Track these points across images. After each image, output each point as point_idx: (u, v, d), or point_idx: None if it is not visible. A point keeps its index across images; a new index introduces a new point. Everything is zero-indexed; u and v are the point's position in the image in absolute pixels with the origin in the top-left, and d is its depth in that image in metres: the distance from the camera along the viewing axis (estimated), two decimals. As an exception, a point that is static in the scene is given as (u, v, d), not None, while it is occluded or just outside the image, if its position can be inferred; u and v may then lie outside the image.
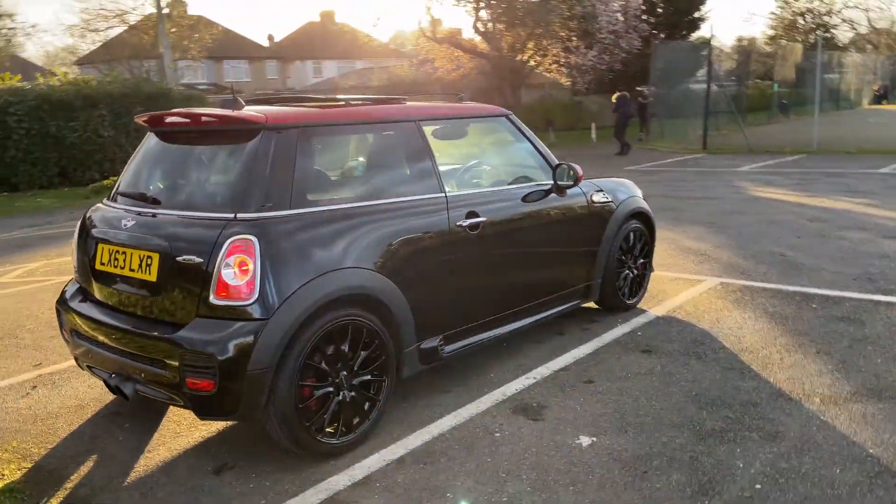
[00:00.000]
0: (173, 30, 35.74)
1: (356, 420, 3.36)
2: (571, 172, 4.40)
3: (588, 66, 25.57)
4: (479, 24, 25.82)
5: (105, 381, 3.42)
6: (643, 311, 5.21)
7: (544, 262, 4.47)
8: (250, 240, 3.01)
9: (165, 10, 34.77)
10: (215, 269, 3.00)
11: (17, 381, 4.48)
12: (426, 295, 3.66)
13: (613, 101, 19.58)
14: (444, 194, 3.82)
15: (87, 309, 3.56)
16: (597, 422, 3.51)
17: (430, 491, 2.97)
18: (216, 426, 3.66)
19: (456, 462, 3.19)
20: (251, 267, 2.99)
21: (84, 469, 3.33)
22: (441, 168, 4.06)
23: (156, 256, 3.21)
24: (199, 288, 3.05)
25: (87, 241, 3.65)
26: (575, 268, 4.73)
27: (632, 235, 5.15)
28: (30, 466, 3.38)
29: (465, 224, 3.82)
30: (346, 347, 3.26)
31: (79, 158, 16.59)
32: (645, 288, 5.39)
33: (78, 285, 3.80)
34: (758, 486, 2.88)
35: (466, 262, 3.88)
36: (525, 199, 4.31)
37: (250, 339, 2.96)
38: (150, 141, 3.75)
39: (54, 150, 16.23)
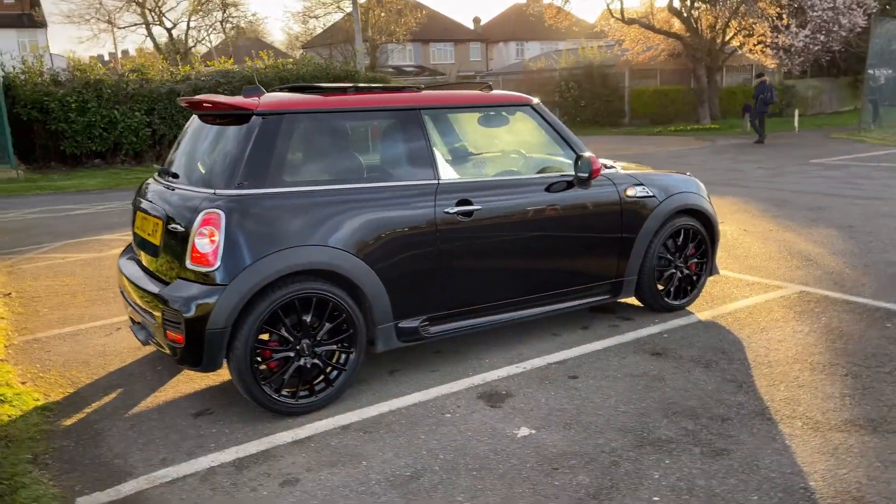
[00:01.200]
0: (382, 14, 37.85)
1: (321, 386, 3.65)
2: (590, 165, 4.32)
3: (799, 48, 23.43)
4: (676, 3, 24.63)
5: (132, 329, 4.02)
6: (688, 314, 4.97)
7: (558, 254, 4.43)
8: (219, 213, 3.40)
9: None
10: (190, 237, 3.43)
11: (108, 322, 5.29)
12: (405, 277, 3.84)
13: (754, 85, 18.37)
14: (436, 181, 3.96)
15: (125, 266, 4.17)
16: (549, 416, 3.51)
17: (351, 456, 3.19)
18: (223, 375, 4.12)
19: (392, 435, 3.38)
20: (217, 237, 3.38)
21: (106, 399, 3.94)
22: (447, 156, 4.20)
23: (160, 223, 3.71)
24: (182, 253, 3.50)
25: (133, 209, 4.27)
26: (599, 262, 4.63)
27: (682, 233, 4.91)
28: (72, 392, 4.06)
29: (452, 211, 3.94)
30: (308, 318, 3.55)
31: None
32: (699, 289, 5.11)
33: (128, 247, 4.44)
34: (655, 499, 2.78)
35: (457, 248, 3.99)
36: (538, 189, 4.31)
37: (211, 300, 3.35)
38: (192, 122, 4.26)
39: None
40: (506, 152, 4.84)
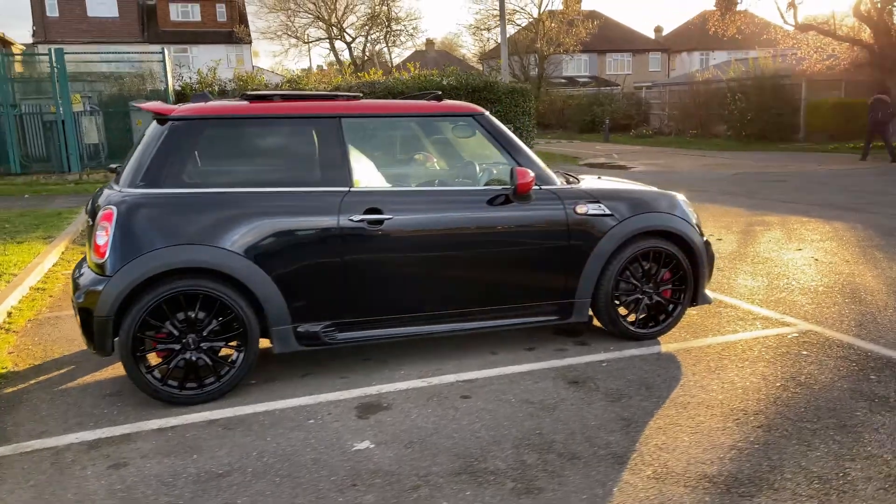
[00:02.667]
0: (553, 25, 37.76)
1: (209, 379, 3.83)
2: (515, 178, 4.13)
3: None
4: (864, 7, 22.24)
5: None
6: (653, 344, 4.58)
7: (488, 270, 4.28)
8: (112, 209, 3.69)
9: (557, 7, 36.81)
10: (93, 231, 3.75)
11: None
12: (304, 282, 3.92)
13: (868, 102, 16.67)
14: (346, 189, 4.00)
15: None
16: (401, 433, 3.43)
17: (189, 449, 3.33)
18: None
19: (244, 434, 3.47)
20: (109, 232, 3.67)
21: (55, 373, 4.36)
22: (372, 165, 4.22)
23: (88, 220, 4.08)
24: (90, 245, 3.83)
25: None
26: (541, 281, 4.40)
27: (651, 256, 4.55)
28: (37, 364, 4.54)
29: (357, 219, 3.95)
30: (193, 314, 3.74)
31: (408, 142, 18.92)
32: (674, 319, 4.69)
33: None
34: (415, 528, 2.65)
35: (366, 257, 4.00)
36: (469, 201, 4.21)
37: (98, 289, 3.65)
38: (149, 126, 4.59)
39: (390, 134, 18.78)
40: (446, 163, 4.75)
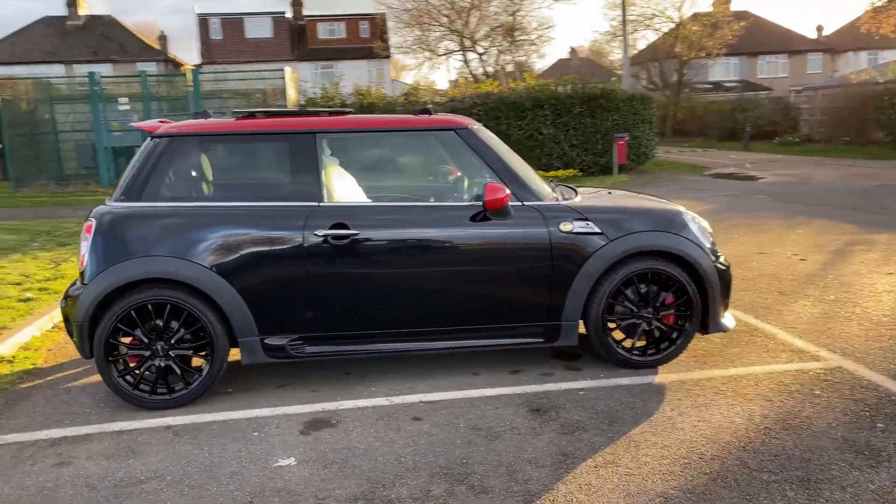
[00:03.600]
0: (695, 28, 36.17)
1: (178, 385, 3.99)
2: (483, 193, 3.98)
3: None
4: None
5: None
6: (648, 373, 4.24)
7: (465, 288, 4.14)
8: (92, 222, 3.94)
9: (704, 9, 35.13)
10: (81, 242, 4.03)
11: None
12: (270, 295, 3.99)
13: None
14: (315, 204, 4.03)
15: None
16: (331, 452, 3.40)
17: (131, 453, 3.48)
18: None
19: (188, 442, 3.58)
20: (87, 243, 3.92)
21: (70, 372, 4.71)
22: (347, 181, 4.24)
23: None
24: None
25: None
26: (523, 302, 4.20)
27: (649, 278, 4.23)
28: (60, 363, 4.93)
29: (321, 234, 3.97)
30: (161, 322, 3.91)
31: (522, 153, 18.63)
32: (678, 347, 4.32)
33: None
34: (275, 552, 2.61)
35: (332, 272, 4.01)
36: (446, 217, 4.11)
37: (76, 296, 3.91)
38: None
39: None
40: (436, 178, 4.64)
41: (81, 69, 34.45)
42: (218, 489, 3.09)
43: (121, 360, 3.95)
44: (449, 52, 35.23)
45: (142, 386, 3.97)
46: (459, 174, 4.88)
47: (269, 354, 4.06)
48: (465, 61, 35.60)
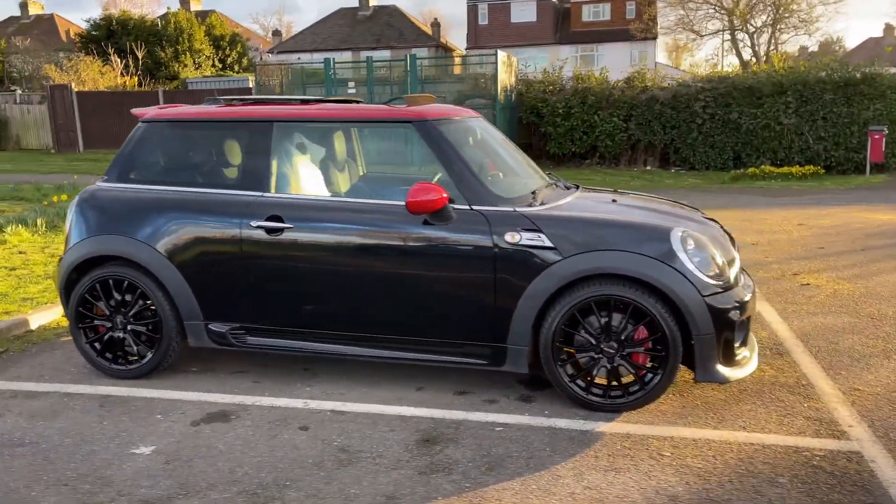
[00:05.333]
0: None
1: (134, 359, 4.22)
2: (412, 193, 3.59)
3: None
4: None
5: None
6: (599, 418, 3.56)
7: (396, 295, 3.81)
8: (76, 198, 4.30)
9: None
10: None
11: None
12: (211, 282, 4.03)
13: None
14: (259, 194, 3.98)
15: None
16: (191, 446, 3.35)
17: (52, 415, 3.75)
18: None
19: (97, 414, 3.75)
20: (70, 215, 4.29)
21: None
22: (302, 172, 4.12)
23: None
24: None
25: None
26: (463, 318, 3.75)
27: (612, 306, 3.55)
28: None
29: (255, 225, 3.90)
30: (119, 297, 4.15)
31: (754, 144, 16.83)
32: (650, 392, 3.57)
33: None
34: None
35: (266, 265, 3.94)
36: (384, 216, 3.82)
37: (58, 263, 4.30)
38: None
39: (733, 135, 16.95)
40: (398, 173, 4.26)
41: (364, 55, 37.85)
42: (61, 465, 3.21)
43: (91, 328, 4.26)
44: (713, 33, 32.58)
45: (106, 354, 4.25)
46: (495, 170, 4.50)
47: (213, 340, 4.12)
48: (734, 42, 32.68)
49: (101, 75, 26.13)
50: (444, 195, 3.61)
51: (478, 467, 3.11)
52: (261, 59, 36.41)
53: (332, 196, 4.18)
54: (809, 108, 16.23)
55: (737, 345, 3.62)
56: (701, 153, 17.19)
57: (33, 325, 5.24)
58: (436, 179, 3.95)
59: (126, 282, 4.11)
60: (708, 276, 3.51)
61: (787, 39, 32.26)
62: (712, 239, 3.77)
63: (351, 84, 17.68)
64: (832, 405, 3.66)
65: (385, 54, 41.57)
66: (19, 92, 25.49)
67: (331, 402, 3.83)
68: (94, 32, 32.28)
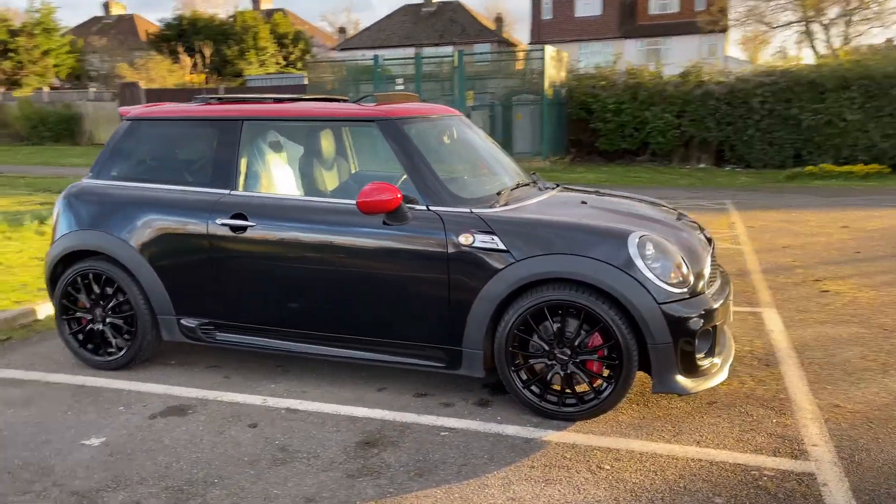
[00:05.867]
0: None
1: (111, 349, 4.33)
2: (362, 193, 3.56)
3: None
4: None
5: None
6: (557, 426, 3.46)
7: (354, 295, 3.79)
8: (62, 194, 4.44)
9: None
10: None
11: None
12: (181, 277, 4.10)
13: None
14: (226, 192, 4.03)
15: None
16: (141, 440, 3.41)
17: (26, 404, 3.89)
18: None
19: (50, 402, 3.86)
20: (56, 210, 4.44)
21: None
22: (268, 170, 4.14)
23: None
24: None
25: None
26: (419, 320, 3.71)
27: (565, 312, 3.44)
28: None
29: (219, 223, 3.95)
30: (98, 290, 4.27)
31: (815, 142, 16.09)
32: (603, 402, 3.44)
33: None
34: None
35: (231, 262, 3.99)
36: (342, 216, 3.81)
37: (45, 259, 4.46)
38: None
39: (792, 132, 16.26)
40: (377, 171, 4.23)
41: (427, 52, 37.96)
42: (13, 452, 3.31)
43: (74, 320, 4.39)
44: (785, 25, 31.30)
45: (88, 345, 4.38)
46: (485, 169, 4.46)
47: (185, 335, 4.19)
48: (808, 34, 31.30)
49: (169, 73, 27.03)
50: (399, 195, 3.57)
51: (408, 472, 3.06)
52: (320, 56, 36.99)
53: (297, 195, 4.15)
54: (876, 103, 15.43)
55: (700, 355, 3.45)
56: (758, 150, 16.55)
57: (40, 315, 5.45)
58: (401, 181, 3.92)
59: (104, 276, 4.22)
60: (667, 283, 3.36)
61: (864, 31, 30.68)
62: (681, 245, 3.60)
63: (399, 81, 17.76)
64: (803, 422, 3.45)
65: (447, 50, 41.60)
66: (93, 89, 26.71)
67: (289, 399, 3.84)
68: (166, 32, 33.46)
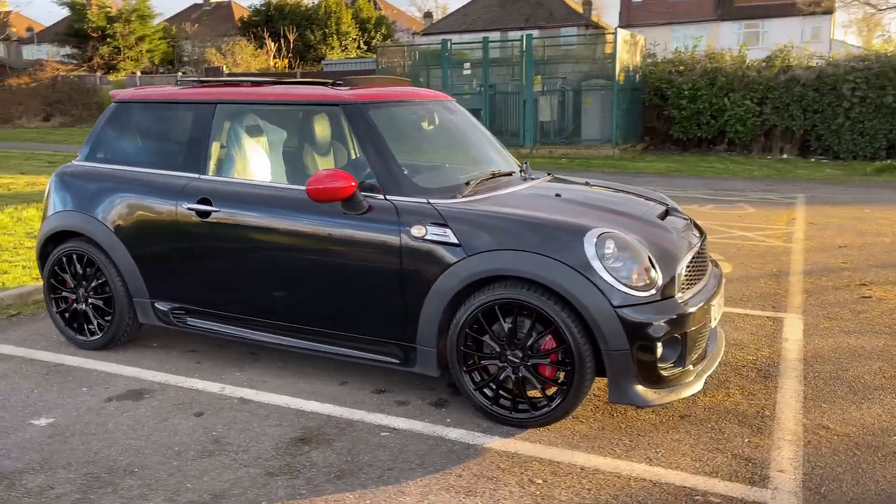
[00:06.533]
0: None
1: (91, 329, 4.37)
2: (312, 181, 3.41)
3: None
4: None
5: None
6: (506, 432, 3.24)
7: (310, 284, 3.67)
8: (53, 175, 4.52)
9: None
10: None
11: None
12: (153, 261, 4.09)
13: None
14: (196, 176, 3.98)
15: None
16: (88, 423, 3.41)
17: (1, 378, 4.00)
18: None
19: (21, 377, 3.93)
20: (47, 191, 4.52)
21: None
22: (241, 154, 4.07)
23: None
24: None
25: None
26: (373, 314, 3.55)
27: (516, 311, 3.21)
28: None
29: (185, 207, 3.90)
30: (81, 271, 4.32)
31: (908, 133, 14.89)
32: (553, 410, 3.20)
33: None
34: None
35: (197, 247, 3.94)
36: (293, 202, 3.69)
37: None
38: None
39: (886, 121, 15.09)
40: (338, 158, 4.05)
41: (514, 36, 37.46)
42: (-35, 429, 3.38)
43: (61, 298, 4.47)
44: (894, 6, 29.06)
45: (73, 324, 4.45)
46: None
47: (159, 318, 4.18)
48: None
49: (253, 58, 27.74)
50: (353, 184, 3.41)
51: (329, 473, 2.93)
52: (403, 40, 37.09)
53: (261, 181, 4.04)
54: (983, 90, 14.10)
55: (664, 364, 3.15)
56: (847, 141, 15.43)
57: (55, 292, 5.61)
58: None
59: (86, 257, 4.27)
60: (626, 285, 3.08)
61: None
62: (654, 243, 3.29)
63: (466, 65, 17.54)
64: (779, 444, 3.10)
65: (533, 34, 40.91)
66: (180, 74, 27.72)
67: (246, 389, 3.77)
68: (254, 18, 34.36)
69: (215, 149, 4.00)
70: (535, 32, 43.35)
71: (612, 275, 3.07)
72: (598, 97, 16.43)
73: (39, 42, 54.54)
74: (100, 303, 4.30)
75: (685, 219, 3.84)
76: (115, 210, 4.16)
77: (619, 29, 16.25)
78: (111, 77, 26.99)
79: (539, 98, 16.78)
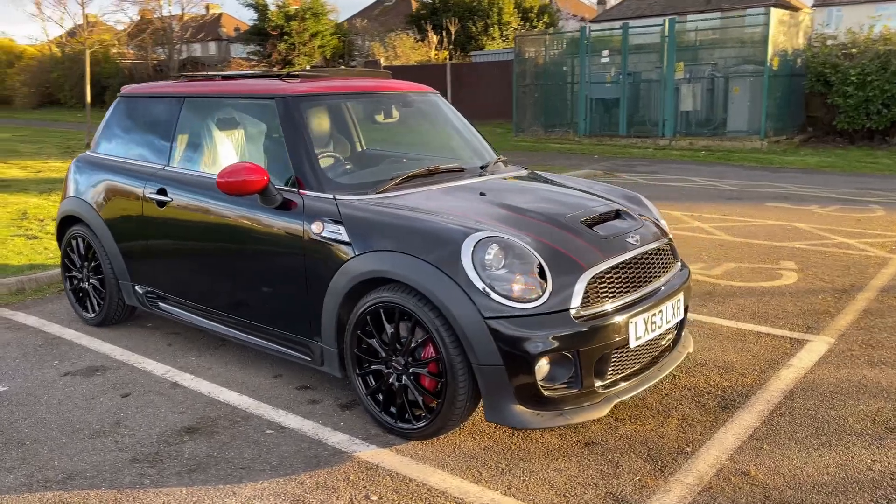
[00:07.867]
0: None
1: (88, 305, 4.70)
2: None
3: None
4: None
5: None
6: (390, 441, 3.08)
7: (238, 275, 3.69)
8: (71, 163, 4.91)
9: None
10: None
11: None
12: (129, 246, 4.32)
13: None
14: (161, 166, 4.14)
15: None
16: (38, 397, 3.65)
17: None
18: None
19: (20, 352, 4.25)
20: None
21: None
22: (208, 146, 4.18)
23: None
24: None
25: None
26: (285, 310, 3.51)
27: (397, 316, 3.03)
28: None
29: (148, 196, 4.07)
30: (83, 251, 4.66)
31: None
32: (432, 423, 2.98)
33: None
34: None
35: (156, 235, 4.12)
36: (222, 196, 3.70)
37: (59, 220, 4.98)
38: None
39: None
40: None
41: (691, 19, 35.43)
42: (-65, 390, 3.77)
43: (73, 277, 4.84)
44: None
45: (80, 301, 4.81)
46: None
47: (139, 301, 4.42)
48: None
49: (412, 51, 28.44)
50: (264, 178, 3.36)
51: (185, 466, 2.93)
52: (566, 28, 36.20)
53: (205, 172, 4.09)
54: None
55: (553, 384, 2.82)
56: None
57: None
58: None
59: (86, 240, 4.60)
60: (503, 295, 2.78)
61: None
62: (556, 251, 2.95)
63: (605, 52, 16.82)
64: (671, 487, 2.67)
65: (715, 17, 38.36)
66: (342, 67, 28.94)
67: (186, 375, 3.87)
68: (421, 11, 35.16)
69: (180, 140, 4.13)
70: (718, 16, 40.70)
71: (486, 283, 2.79)
72: (748, 84, 15.11)
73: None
74: (97, 283, 4.61)
75: (635, 220, 3.40)
76: (103, 197, 4.43)
77: (772, 8, 14.86)
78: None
79: (681, 86, 15.75)
